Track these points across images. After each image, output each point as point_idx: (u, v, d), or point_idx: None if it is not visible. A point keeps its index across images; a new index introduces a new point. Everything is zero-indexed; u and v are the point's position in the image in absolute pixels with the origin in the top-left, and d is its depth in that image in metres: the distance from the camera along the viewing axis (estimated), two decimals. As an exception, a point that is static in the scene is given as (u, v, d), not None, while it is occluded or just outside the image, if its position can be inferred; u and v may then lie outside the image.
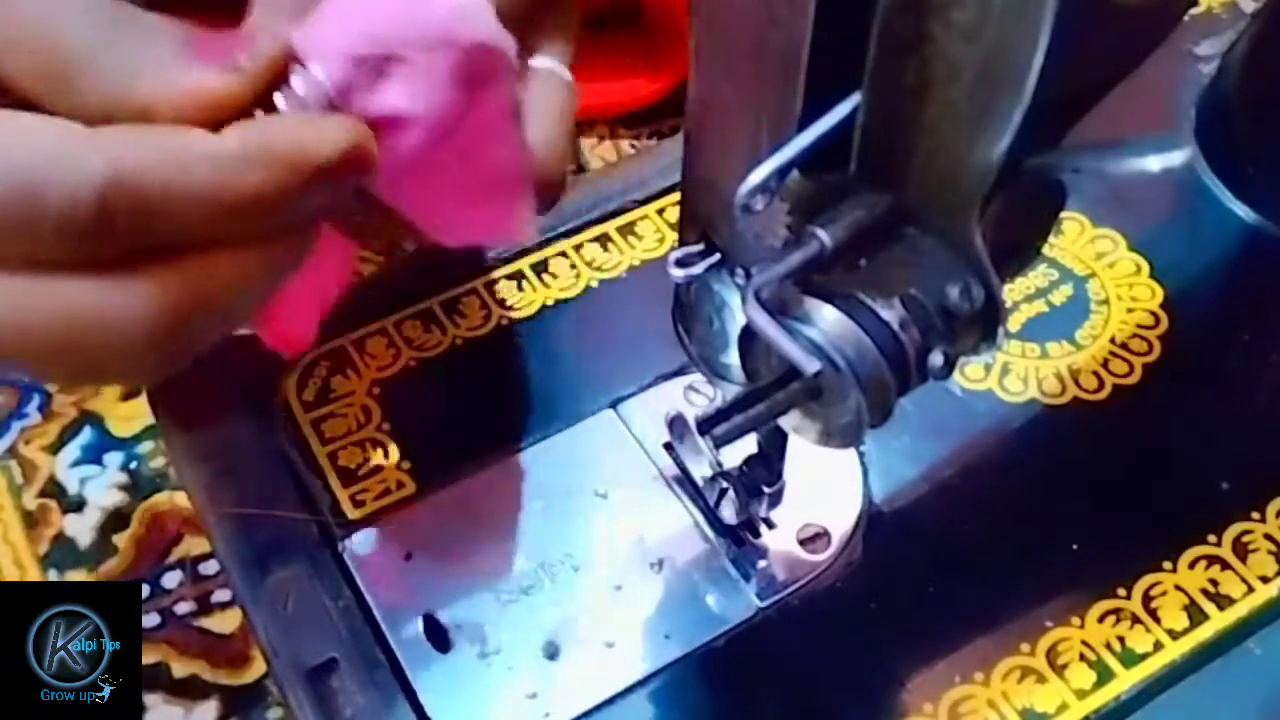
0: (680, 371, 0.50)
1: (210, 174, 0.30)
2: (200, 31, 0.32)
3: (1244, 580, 0.46)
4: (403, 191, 0.36)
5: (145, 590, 0.55)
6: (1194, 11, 0.61)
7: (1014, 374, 0.51)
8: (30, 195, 0.28)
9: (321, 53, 0.32)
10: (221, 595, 0.55)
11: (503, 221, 0.39)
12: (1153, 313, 0.53)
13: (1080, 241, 0.55)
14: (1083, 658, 0.44)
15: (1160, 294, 0.53)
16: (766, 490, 0.46)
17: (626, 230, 0.55)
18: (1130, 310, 0.53)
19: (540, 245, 0.54)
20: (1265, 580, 0.46)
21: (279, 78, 0.32)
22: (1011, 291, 0.53)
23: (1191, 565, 0.46)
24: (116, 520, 0.57)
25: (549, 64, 0.41)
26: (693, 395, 0.50)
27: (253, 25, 0.33)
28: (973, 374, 0.51)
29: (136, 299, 0.30)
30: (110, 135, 0.29)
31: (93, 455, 0.60)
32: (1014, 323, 0.52)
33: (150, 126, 0.30)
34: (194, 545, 0.57)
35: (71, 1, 0.31)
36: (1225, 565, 0.46)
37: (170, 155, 0.29)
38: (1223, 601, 0.45)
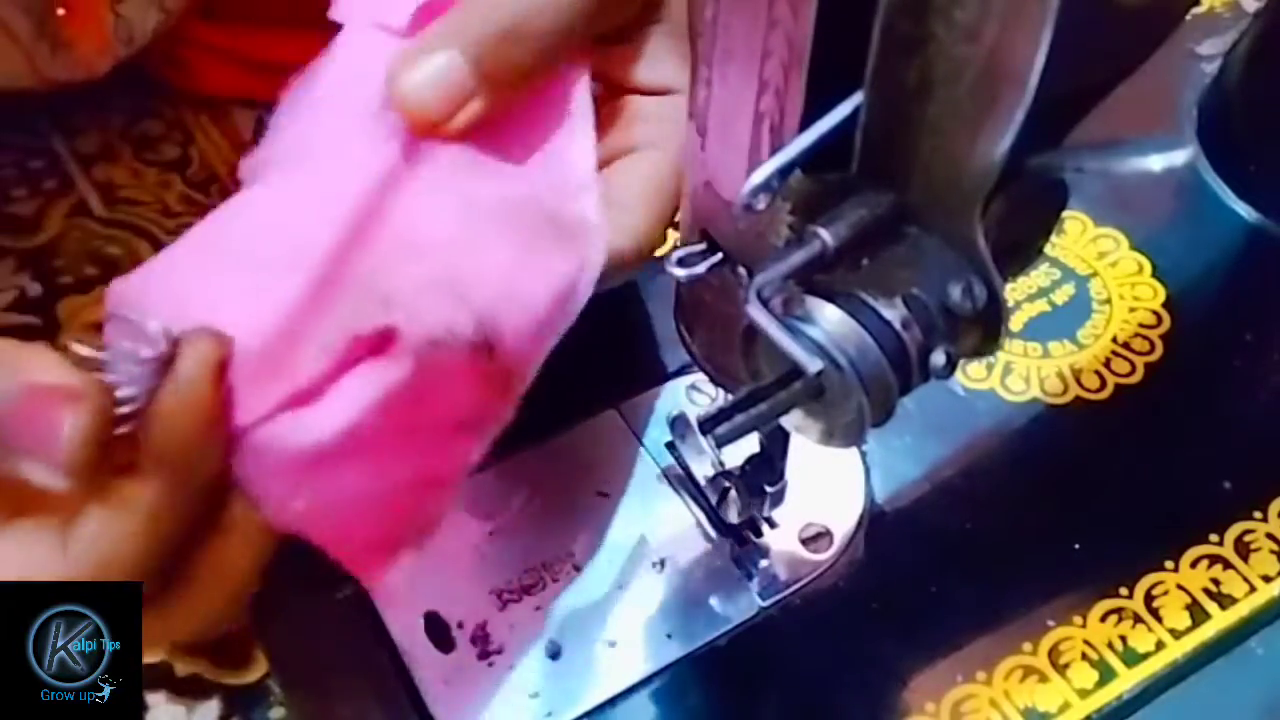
0: (682, 371, 0.50)
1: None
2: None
3: (1246, 580, 0.45)
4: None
5: (147, 589, 0.55)
6: (1196, 11, 0.61)
7: (1016, 373, 0.51)
8: None
9: None
10: (223, 594, 0.55)
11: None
12: (1154, 312, 0.53)
13: (1082, 241, 0.55)
14: (1085, 657, 0.44)
15: (1162, 293, 0.53)
16: (768, 489, 0.46)
17: (628, 229, 0.55)
18: (1132, 310, 0.53)
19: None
20: (1267, 579, 0.46)
21: None
22: (1013, 291, 0.53)
23: (1193, 564, 0.46)
24: (118, 520, 0.57)
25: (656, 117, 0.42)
26: (695, 395, 0.50)
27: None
28: (975, 373, 0.51)
29: None
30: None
31: (94, 454, 0.60)
32: (1016, 322, 0.52)
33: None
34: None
35: None
36: (1227, 564, 0.46)
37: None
38: (1225, 601, 0.45)
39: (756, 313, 0.31)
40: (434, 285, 0.36)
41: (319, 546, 0.37)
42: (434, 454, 0.38)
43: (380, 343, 0.35)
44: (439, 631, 0.44)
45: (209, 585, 0.36)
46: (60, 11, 0.54)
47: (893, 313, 0.31)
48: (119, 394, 0.33)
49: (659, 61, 0.43)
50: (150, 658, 0.37)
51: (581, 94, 0.40)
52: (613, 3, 0.40)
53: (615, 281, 0.41)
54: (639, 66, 0.43)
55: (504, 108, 0.38)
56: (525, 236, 0.38)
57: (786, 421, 0.34)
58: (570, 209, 0.39)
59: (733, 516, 0.46)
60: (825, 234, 0.31)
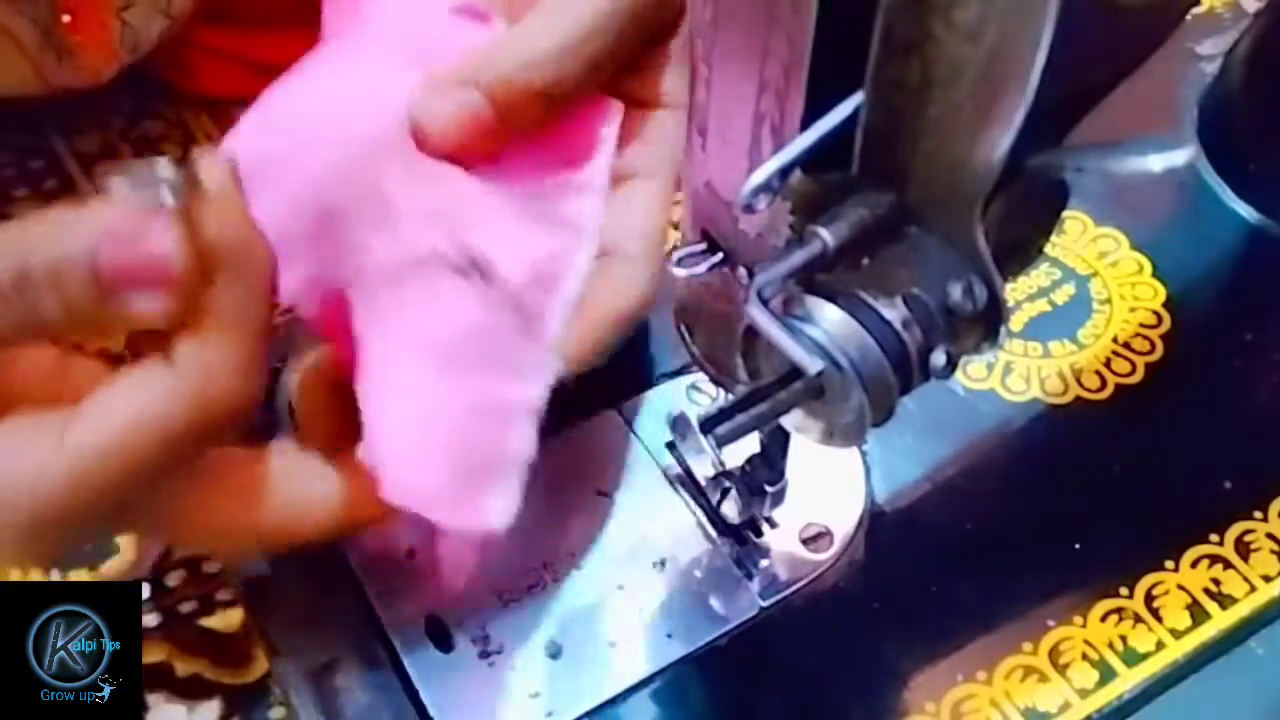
0: (682, 371, 0.50)
1: None
2: None
3: (1246, 579, 0.45)
4: None
5: (147, 589, 0.55)
6: (1196, 10, 0.61)
7: (1016, 373, 0.51)
8: None
9: None
10: (224, 594, 0.55)
11: None
12: (1155, 312, 0.53)
13: (1082, 240, 0.55)
14: (1085, 657, 0.44)
15: (1162, 293, 0.53)
16: (769, 489, 0.46)
17: (628, 229, 0.55)
18: (1132, 309, 0.53)
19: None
20: (1267, 579, 0.45)
21: None
22: (1014, 291, 0.53)
23: (1194, 564, 0.46)
24: (119, 519, 0.57)
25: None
26: (695, 394, 0.50)
27: None
28: (975, 373, 0.51)
29: None
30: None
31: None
32: (1016, 322, 0.52)
33: None
34: (196, 545, 0.56)
35: None
36: (1227, 564, 0.46)
37: None
38: (1225, 601, 0.45)
39: (756, 313, 0.31)
40: (427, 215, 0.38)
41: (403, 503, 0.38)
42: (474, 382, 0.39)
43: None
44: (439, 631, 0.44)
45: None
46: (65, 18, 0.54)
47: (893, 313, 0.31)
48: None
49: (676, 76, 0.43)
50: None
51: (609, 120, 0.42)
52: (631, 37, 0.41)
53: (627, 332, 0.42)
54: (655, 81, 0.44)
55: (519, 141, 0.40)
56: (532, 210, 0.40)
57: (787, 421, 0.34)
58: (566, 208, 0.40)
59: (733, 516, 0.46)
60: (825, 234, 0.31)
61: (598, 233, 0.41)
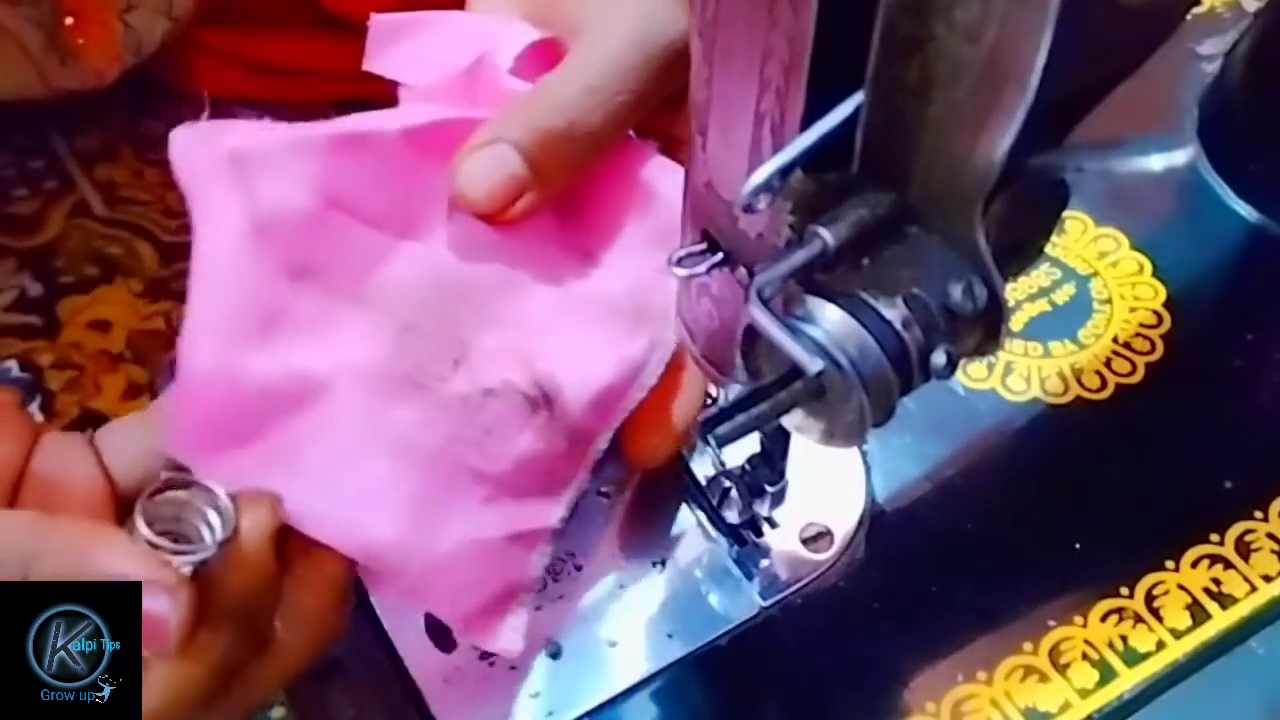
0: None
1: None
2: None
3: (1246, 579, 0.45)
4: None
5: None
6: (1197, 10, 0.61)
7: (1017, 373, 0.51)
8: None
9: None
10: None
11: None
12: (1155, 312, 0.53)
13: (1083, 240, 0.55)
14: (1085, 657, 0.44)
15: (1163, 293, 0.53)
16: (769, 489, 0.46)
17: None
18: (1133, 309, 0.53)
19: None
20: (1268, 579, 0.46)
21: None
22: (1014, 291, 0.52)
23: (1194, 564, 0.46)
24: (119, 519, 0.57)
25: None
26: (695, 394, 0.50)
27: None
28: (975, 373, 0.51)
29: None
30: None
31: (95, 454, 0.59)
32: (1017, 322, 0.52)
33: None
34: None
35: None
36: (1228, 564, 0.46)
37: None
38: (1225, 601, 0.45)
39: (757, 313, 0.31)
40: (502, 351, 0.39)
41: (433, 613, 0.41)
42: (516, 509, 0.40)
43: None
44: (439, 631, 0.44)
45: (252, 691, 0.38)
46: (68, 21, 0.54)
47: (893, 312, 0.31)
48: (184, 572, 0.35)
49: None
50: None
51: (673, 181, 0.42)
52: (664, 84, 0.41)
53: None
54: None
55: (557, 197, 0.41)
56: (605, 326, 0.41)
57: (787, 421, 0.34)
58: (658, 299, 0.41)
59: (733, 516, 0.46)
60: (826, 234, 0.31)
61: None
